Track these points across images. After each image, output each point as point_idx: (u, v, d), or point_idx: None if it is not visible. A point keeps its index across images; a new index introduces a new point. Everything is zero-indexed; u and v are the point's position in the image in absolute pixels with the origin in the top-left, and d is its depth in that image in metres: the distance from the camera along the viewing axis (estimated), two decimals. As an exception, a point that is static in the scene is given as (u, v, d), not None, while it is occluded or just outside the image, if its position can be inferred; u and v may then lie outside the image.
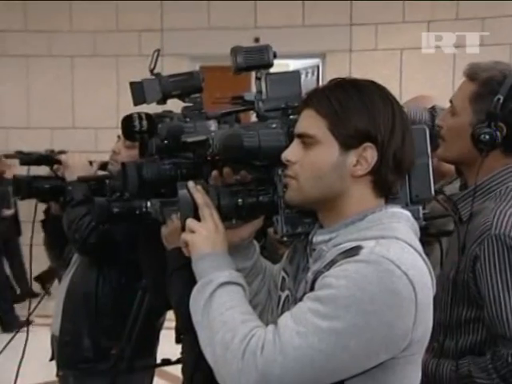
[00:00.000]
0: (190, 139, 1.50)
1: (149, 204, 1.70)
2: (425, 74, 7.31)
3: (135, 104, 1.65)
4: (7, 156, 2.63)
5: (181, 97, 1.68)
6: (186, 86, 1.67)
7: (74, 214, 2.40)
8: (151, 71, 1.66)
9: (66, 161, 2.51)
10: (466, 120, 1.69)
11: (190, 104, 1.67)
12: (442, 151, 1.78)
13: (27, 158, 2.57)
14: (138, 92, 1.64)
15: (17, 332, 2.07)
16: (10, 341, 2.09)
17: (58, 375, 2.61)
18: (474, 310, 1.64)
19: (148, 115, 1.62)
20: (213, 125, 1.61)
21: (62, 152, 2.56)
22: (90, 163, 2.57)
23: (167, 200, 1.65)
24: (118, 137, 2.56)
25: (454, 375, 1.63)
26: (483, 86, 1.67)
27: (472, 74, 1.71)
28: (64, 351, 2.54)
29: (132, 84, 1.65)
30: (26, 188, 2.51)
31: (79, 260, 2.57)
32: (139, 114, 1.61)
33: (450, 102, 1.78)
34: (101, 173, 2.60)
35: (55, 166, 2.58)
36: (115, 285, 2.49)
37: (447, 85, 6.50)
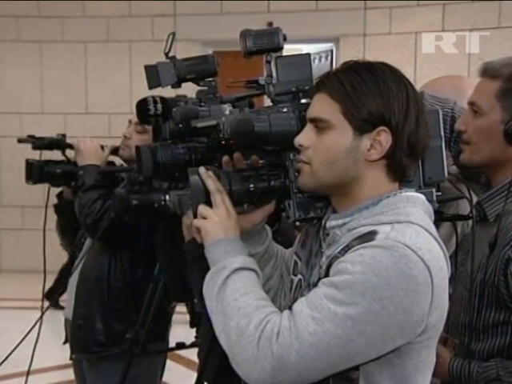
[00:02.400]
0: (199, 124, 1.49)
1: (167, 197, 1.70)
2: (440, 58, 7.23)
3: (150, 87, 1.64)
4: (20, 140, 2.64)
5: (195, 80, 1.67)
6: (200, 69, 1.66)
7: (85, 198, 2.41)
8: (166, 54, 1.65)
9: (78, 146, 2.52)
10: (496, 118, 1.63)
11: (205, 88, 1.66)
12: (467, 156, 1.70)
13: (39, 143, 2.58)
14: (153, 75, 1.63)
15: (42, 316, 2.09)
16: (33, 326, 2.11)
17: (71, 358, 2.64)
18: (502, 313, 1.59)
19: (163, 99, 1.61)
20: (227, 109, 1.60)
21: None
22: (102, 148, 2.58)
23: (185, 193, 1.65)
24: (129, 121, 2.57)
25: (481, 378, 1.59)
26: (509, 82, 1.62)
27: (493, 71, 1.65)
28: (77, 335, 2.57)
29: (147, 67, 1.64)
30: (38, 173, 2.52)
31: (92, 245, 2.58)
32: (154, 98, 1.61)
33: (470, 103, 1.70)
34: (112, 157, 2.61)
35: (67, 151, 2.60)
36: (127, 269, 2.50)
37: (463, 70, 6.44)
